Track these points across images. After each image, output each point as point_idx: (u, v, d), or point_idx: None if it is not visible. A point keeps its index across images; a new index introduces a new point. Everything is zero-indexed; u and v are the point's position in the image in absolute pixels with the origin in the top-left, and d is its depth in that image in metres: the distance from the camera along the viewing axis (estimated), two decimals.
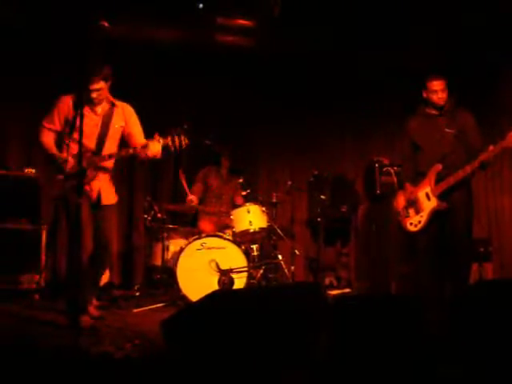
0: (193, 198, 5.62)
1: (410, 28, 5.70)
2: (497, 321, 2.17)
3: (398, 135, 5.16)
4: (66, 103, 4.03)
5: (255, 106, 6.57)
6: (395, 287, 5.55)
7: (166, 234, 5.37)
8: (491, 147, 3.91)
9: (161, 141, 3.97)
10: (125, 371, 2.58)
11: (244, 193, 5.71)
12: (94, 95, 3.98)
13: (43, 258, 5.15)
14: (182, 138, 4.01)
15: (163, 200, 6.08)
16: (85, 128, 3.52)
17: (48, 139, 4.04)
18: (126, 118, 4.20)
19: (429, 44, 5.87)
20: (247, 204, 5.33)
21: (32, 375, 2.48)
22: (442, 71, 4.35)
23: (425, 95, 4.31)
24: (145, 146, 3.96)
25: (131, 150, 4.03)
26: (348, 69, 6.44)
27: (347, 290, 6.13)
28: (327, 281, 6.45)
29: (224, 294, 3.04)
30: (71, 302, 3.69)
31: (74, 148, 3.87)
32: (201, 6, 5.66)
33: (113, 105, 4.16)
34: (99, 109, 4.09)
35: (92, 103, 4.04)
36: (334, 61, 6.38)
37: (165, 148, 4.01)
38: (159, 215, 5.46)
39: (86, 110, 3.98)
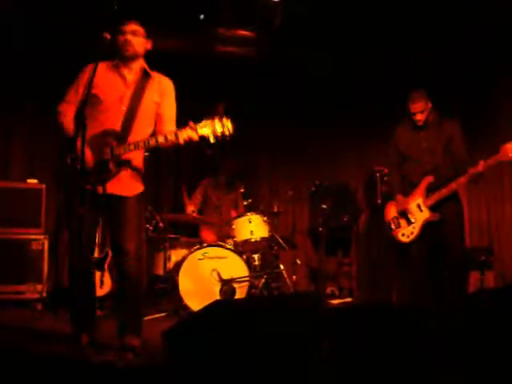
0: (194, 210, 5.64)
1: (410, 37, 5.74)
2: (497, 329, 2.18)
3: None
4: (88, 71, 3.19)
5: (256, 116, 6.60)
6: (396, 297, 5.55)
7: (167, 244, 5.38)
8: (481, 162, 3.94)
9: (198, 130, 3.08)
10: (126, 380, 2.59)
11: (245, 202, 5.73)
12: (128, 37, 3.20)
13: (46, 267, 5.17)
14: (225, 122, 3.09)
15: (164, 210, 6.10)
16: (108, 100, 3.11)
17: (67, 120, 3.18)
18: (163, 94, 3.33)
19: (428, 52, 5.91)
20: (249, 214, 5.35)
21: None
22: (440, 78, 4.39)
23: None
24: (176, 134, 3.11)
25: (162, 137, 3.12)
26: (348, 78, 6.47)
27: (349, 300, 6.13)
28: (329, 290, 6.45)
29: (225, 303, 3.05)
30: (72, 316, 3.34)
31: (93, 128, 3.01)
32: (202, 16, 5.71)
33: (147, 73, 3.32)
34: (130, 75, 3.25)
35: (123, 56, 3.23)
36: (335, 70, 6.41)
37: (203, 139, 3.10)
38: (161, 225, 5.48)
39: (112, 74, 3.24)
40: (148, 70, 3.34)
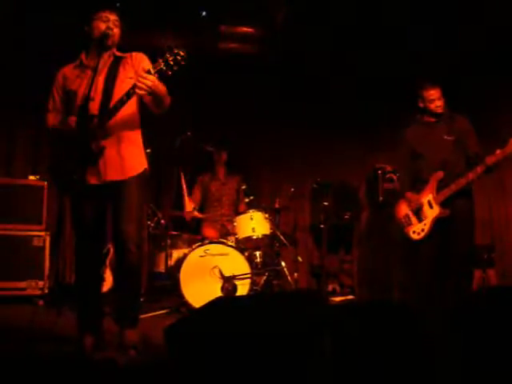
0: (195, 206, 5.63)
1: (411, 36, 5.74)
2: (499, 328, 2.17)
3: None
4: (61, 75, 3.32)
5: (258, 113, 6.59)
6: (397, 295, 5.55)
7: (169, 241, 5.38)
8: (498, 151, 3.89)
9: (152, 69, 2.96)
10: (128, 377, 2.59)
11: (247, 199, 5.73)
12: (111, 25, 3.17)
13: (47, 264, 5.17)
14: (175, 51, 2.94)
15: (166, 207, 6.10)
16: (83, 90, 3.10)
17: (54, 121, 3.28)
18: (137, 67, 3.23)
19: (429, 51, 5.91)
20: (250, 211, 5.35)
21: (34, 381, 2.49)
22: (441, 79, 4.37)
23: (421, 105, 4.31)
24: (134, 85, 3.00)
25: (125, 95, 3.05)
26: (350, 76, 6.46)
27: (350, 297, 6.13)
28: (330, 287, 6.45)
29: (227, 300, 3.05)
30: (78, 316, 3.32)
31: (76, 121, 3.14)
32: (204, 13, 5.71)
33: (117, 57, 3.29)
34: (100, 63, 3.17)
35: (101, 45, 3.17)
36: (337, 68, 6.40)
37: (161, 74, 2.99)
38: (162, 222, 5.47)
39: (81, 69, 3.26)
40: (118, 53, 3.31)
